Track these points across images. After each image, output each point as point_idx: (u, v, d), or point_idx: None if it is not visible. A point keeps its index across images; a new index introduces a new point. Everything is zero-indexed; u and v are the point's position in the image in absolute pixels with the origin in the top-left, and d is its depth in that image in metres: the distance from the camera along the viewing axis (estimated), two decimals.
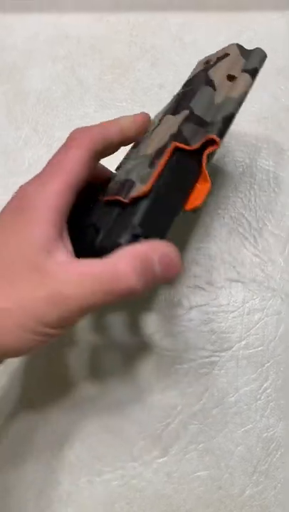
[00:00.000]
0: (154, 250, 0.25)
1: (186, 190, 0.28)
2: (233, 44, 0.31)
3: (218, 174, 0.40)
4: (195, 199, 0.28)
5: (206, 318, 0.37)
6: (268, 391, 0.36)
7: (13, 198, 0.27)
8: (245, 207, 0.39)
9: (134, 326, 0.37)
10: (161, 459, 0.35)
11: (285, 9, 0.44)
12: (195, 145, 0.27)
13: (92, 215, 0.30)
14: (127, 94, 0.43)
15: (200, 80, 0.31)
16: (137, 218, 0.26)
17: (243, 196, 0.39)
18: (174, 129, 0.28)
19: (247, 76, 0.29)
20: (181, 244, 0.38)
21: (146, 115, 0.30)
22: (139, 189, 0.26)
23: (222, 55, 0.31)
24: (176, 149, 0.27)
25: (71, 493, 0.35)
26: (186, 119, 0.28)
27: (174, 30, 0.45)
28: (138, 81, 0.44)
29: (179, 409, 0.36)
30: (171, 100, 0.33)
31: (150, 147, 0.29)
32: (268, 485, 0.35)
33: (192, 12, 0.45)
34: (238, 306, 0.37)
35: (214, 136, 0.27)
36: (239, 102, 0.28)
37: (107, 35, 0.45)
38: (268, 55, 0.30)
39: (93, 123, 0.43)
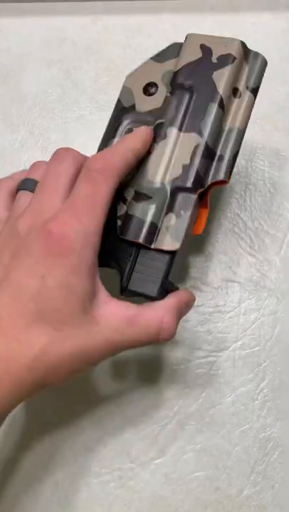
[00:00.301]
0: (184, 302, 0.29)
1: (193, 223, 0.30)
2: (236, 40, 0.30)
3: None
4: (198, 226, 0.30)
5: (202, 318, 0.37)
6: (265, 391, 0.36)
7: (47, 239, 0.25)
8: (240, 207, 0.39)
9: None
10: (158, 460, 0.35)
11: (280, 11, 0.45)
12: (207, 183, 0.29)
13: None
14: None
15: (203, 82, 0.30)
16: (166, 271, 0.28)
17: (238, 197, 0.39)
18: (186, 160, 0.29)
19: (251, 97, 0.30)
20: None
21: (151, 131, 0.30)
22: (168, 243, 0.28)
23: (225, 55, 0.30)
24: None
25: (68, 495, 0.35)
26: (197, 149, 0.29)
27: (169, 32, 0.45)
28: None
29: (175, 410, 0.36)
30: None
31: (160, 173, 0.29)
32: (266, 485, 0.35)
33: (186, 14, 0.45)
34: (234, 306, 0.37)
35: (226, 180, 0.29)
36: (244, 132, 0.30)
37: (101, 37, 0.45)
38: (259, 52, 0.31)
39: (89, 125, 0.43)
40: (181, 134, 0.29)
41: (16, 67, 0.45)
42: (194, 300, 0.30)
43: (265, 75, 0.31)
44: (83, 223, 0.25)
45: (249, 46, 0.31)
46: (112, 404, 0.36)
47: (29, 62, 0.45)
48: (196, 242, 0.38)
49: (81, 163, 0.28)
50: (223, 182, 0.29)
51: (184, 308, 0.29)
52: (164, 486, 0.35)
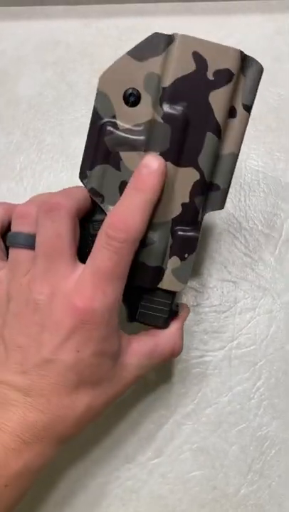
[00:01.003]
0: (184, 320, 0.31)
1: None
2: (234, 50, 0.26)
3: None
4: None
5: (198, 318, 0.37)
6: (261, 390, 0.36)
7: (74, 314, 0.25)
8: (235, 207, 0.39)
9: (128, 328, 0.38)
10: (155, 460, 0.35)
11: (272, 12, 0.45)
12: (204, 215, 0.28)
13: None
14: None
15: (199, 106, 0.26)
16: (171, 304, 0.30)
17: (233, 197, 0.39)
18: (185, 198, 0.27)
19: (246, 116, 0.27)
20: None
21: (165, 167, 0.26)
22: (174, 285, 0.29)
23: (223, 71, 0.26)
24: None
25: (66, 496, 0.35)
26: (197, 186, 0.27)
27: None
28: None
29: (172, 410, 0.36)
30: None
31: (161, 213, 0.27)
32: (263, 484, 0.35)
33: (180, 16, 0.45)
34: (229, 306, 0.37)
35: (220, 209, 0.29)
36: (238, 156, 0.28)
37: (96, 40, 0.46)
38: (255, 58, 0.29)
39: (84, 127, 0.43)
40: (179, 169, 0.27)
41: (11, 69, 0.45)
42: (189, 312, 0.33)
43: None
44: (108, 295, 0.25)
45: (242, 47, 0.30)
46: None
47: (24, 64, 0.45)
48: None
49: (75, 213, 0.27)
50: None
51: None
52: (161, 485, 0.35)
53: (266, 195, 0.39)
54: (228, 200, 0.39)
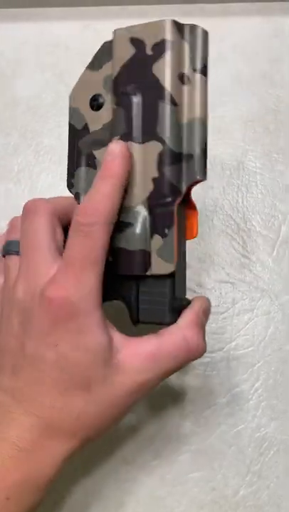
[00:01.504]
0: (201, 312, 0.28)
1: (185, 229, 0.29)
2: (165, 21, 0.27)
3: None
4: (191, 230, 0.29)
5: None
6: (259, 391, 0.36)
7: (49, 307, 0.24)
8: (233, 208, 0.39)
9: (127, 330, 0.38)
10: (154, 462, 0.35)
11: (270, 15, 0.45)
12: (184, 189, 0.27)
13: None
14: None
15: (145, 81, 0.27)
16: (171, 293, 0.28)
17: (230, 198, 0.39)
18: (154, 172, 0.27)
19: (202, 79, 0.27)
20: None
21: (126, 148, 0.26)
22: (162, 267, 0.27)
23: (159, 42, 0.27)
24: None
25: (65, 498, 0.35)
26: (162, 157, 0.27)
27: None
28: None
29: (170, 412, 0.36)
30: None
31: (134, 194, 0.27)
32: (262, 485, 0.35)
33: (178, 18, 0.45)
34: (228, 307, 0.37)
35: (202, 179, 0.27)
36: (207, 120, 0.27)
37: (94, 42, 0.45)
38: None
39: None
40: (142, 145, 0.27)
41: (10, 71, 0.45)
42: (210, 303, 0.30)
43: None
44: (83, 282, 0.24)
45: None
46: None
47: (23, 66, 0.45)
48: (189, 244, 0.38)
49: (53, 213, 0.27)
50: (200, 181, 0.28)
51: (203, 317, 0.28)
52: (159, 487, 0.35)
53: (264, 196, 0.39)
54: (225, 201, 0.40)
